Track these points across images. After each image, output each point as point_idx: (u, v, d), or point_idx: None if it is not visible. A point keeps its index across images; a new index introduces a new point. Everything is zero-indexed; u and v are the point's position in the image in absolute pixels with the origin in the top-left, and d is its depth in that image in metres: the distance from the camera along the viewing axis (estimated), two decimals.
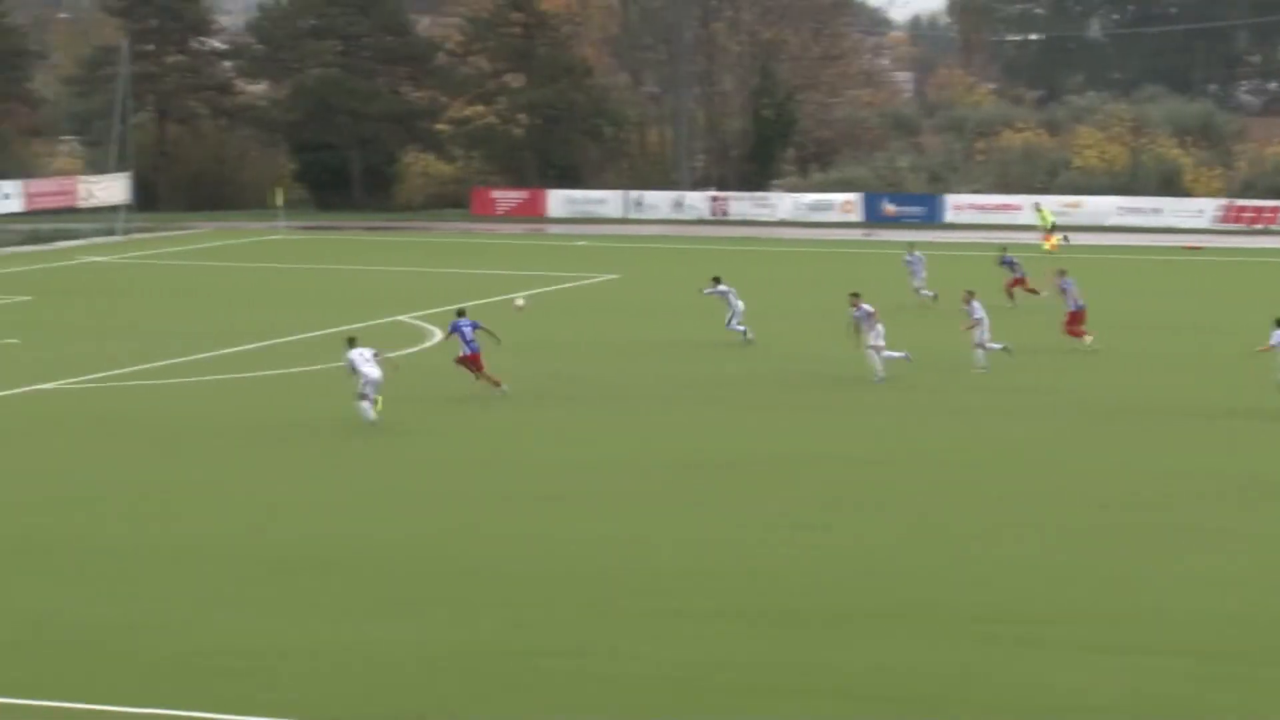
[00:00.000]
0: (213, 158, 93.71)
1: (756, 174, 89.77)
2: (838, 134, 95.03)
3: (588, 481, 29.46)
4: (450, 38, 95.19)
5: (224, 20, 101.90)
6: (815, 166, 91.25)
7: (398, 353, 43.35)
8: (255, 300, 52.54)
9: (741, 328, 43.93)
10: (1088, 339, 42.54)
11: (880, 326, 38.53)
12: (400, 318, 49.68)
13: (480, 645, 21.01)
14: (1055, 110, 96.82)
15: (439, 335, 46.10)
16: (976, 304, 40.08)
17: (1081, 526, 26.42)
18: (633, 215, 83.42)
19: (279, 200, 79.02)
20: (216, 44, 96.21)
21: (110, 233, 75.05)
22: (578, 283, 58.90)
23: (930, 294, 50.66)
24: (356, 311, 50.32)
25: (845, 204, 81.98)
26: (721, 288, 44.53)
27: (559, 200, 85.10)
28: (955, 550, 25.07)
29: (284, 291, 56.46)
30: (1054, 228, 67.40)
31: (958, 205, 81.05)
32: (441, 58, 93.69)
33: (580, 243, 74.02)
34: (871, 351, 38.46)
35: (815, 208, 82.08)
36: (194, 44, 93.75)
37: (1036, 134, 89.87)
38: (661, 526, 26.51)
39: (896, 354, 38.79)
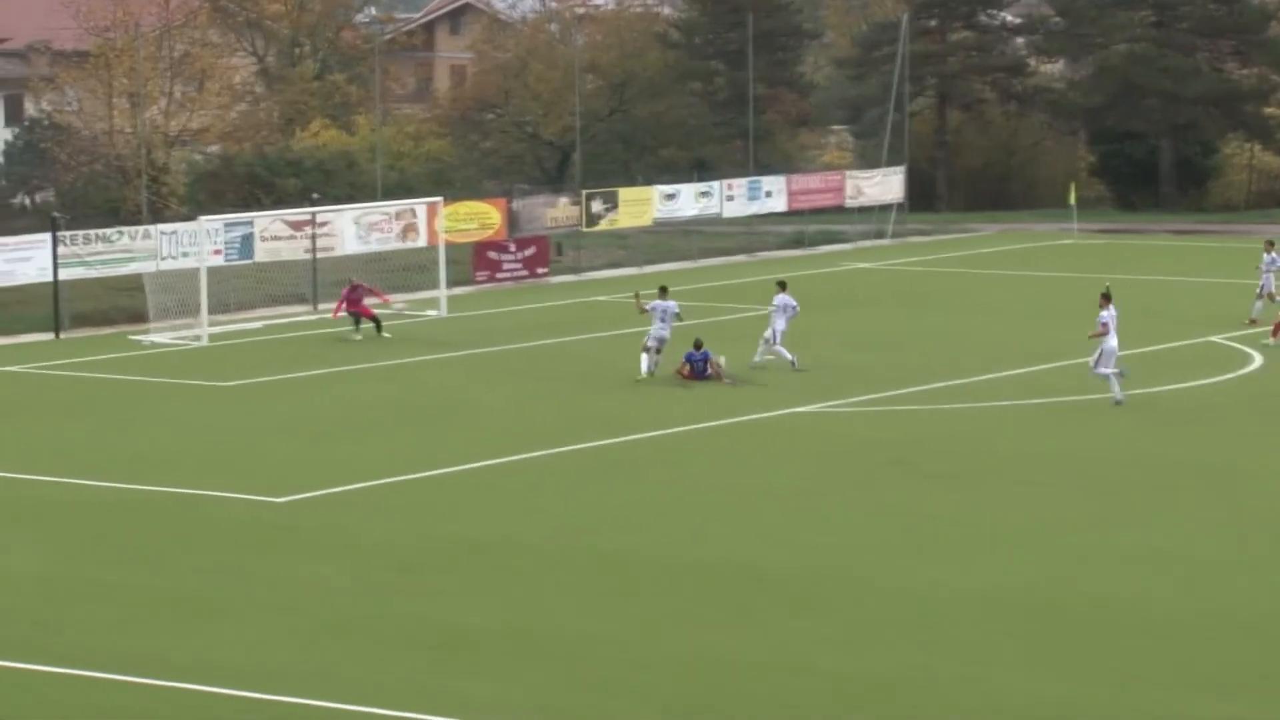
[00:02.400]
0: (1000, 149, 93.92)
1: None
2: None
3: None
4: None
5: None
6: None
7: (1205, 381, 41.99)
8: (1039, 314, 51.92)
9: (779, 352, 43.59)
10: None
11: None
12: (1212, 338, 48.50)
13: None
14: None
15: (1259, 359, 44.90)
16: None
17: None
18: None
19: (1073, 198, 78.20)
20: (1008, 17, 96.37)
21: (880, 235, 76.03)
22: None
23: None
24: (1159, 330, 49.40)
25: None
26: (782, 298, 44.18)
27: None
28: None
29: (1072, 305, 55.46)
30: None
31: None
32: (1275, 28, 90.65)
33: None
34: None
35: None
36: (982, 18, 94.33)
37: None
38: None
39: None
